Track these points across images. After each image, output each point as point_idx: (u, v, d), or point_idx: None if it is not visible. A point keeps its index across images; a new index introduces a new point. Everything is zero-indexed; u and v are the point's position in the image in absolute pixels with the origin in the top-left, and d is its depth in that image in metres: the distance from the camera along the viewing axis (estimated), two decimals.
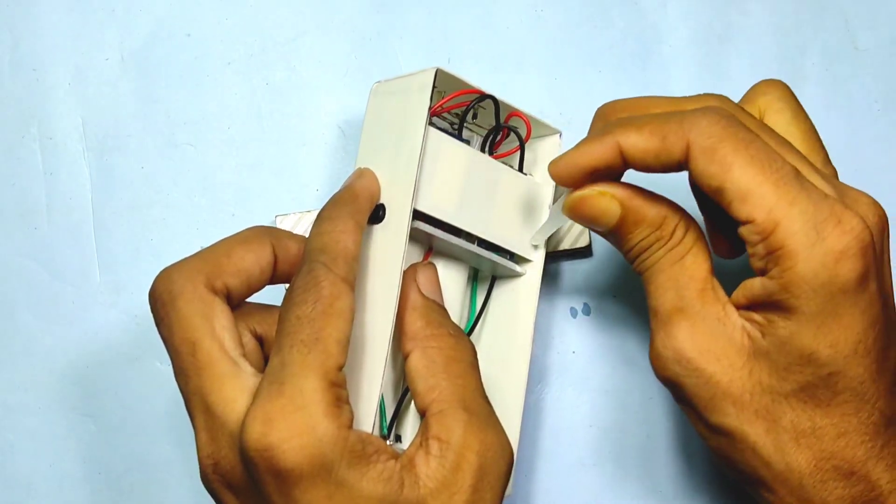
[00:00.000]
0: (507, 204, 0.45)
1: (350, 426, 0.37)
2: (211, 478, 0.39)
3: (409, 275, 0.42)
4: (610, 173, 0.40)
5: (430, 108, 0.42)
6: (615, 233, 0.40)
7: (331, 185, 0.51)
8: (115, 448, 0.50)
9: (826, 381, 0.37)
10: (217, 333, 0.39)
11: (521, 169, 0.47)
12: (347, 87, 0.53)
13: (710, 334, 0.39)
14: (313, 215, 0.49)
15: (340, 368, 0.37)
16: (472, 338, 0.47)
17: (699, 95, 0.42)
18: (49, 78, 0.53)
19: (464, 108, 0.45)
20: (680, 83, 0.52)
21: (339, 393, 0.37)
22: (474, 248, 0.44)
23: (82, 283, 0.51)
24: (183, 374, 0.40)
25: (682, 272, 0.39)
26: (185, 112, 0.52)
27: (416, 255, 0.45)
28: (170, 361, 0.50)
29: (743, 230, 0.37)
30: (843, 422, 0.37)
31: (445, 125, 0.45)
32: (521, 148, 0.47)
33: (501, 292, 0.48)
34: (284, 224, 0.50)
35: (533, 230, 0.46)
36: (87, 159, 0.52)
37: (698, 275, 0.39)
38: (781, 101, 0.42)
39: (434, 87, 0.42)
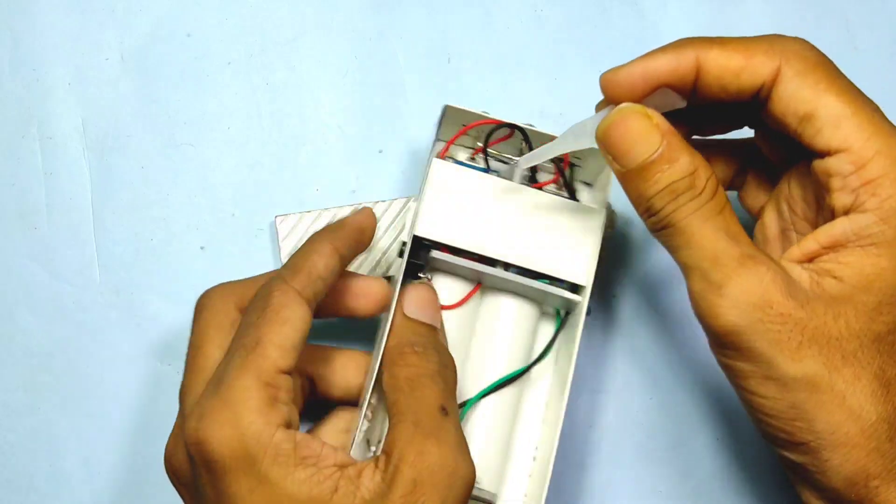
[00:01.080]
0: (551, 230, 0.44)
1: (284, 426, 0.37)
2: (168, 474, 0.41)
3: (401, 295, 0.43)
4: (672, 95, 0.37)
5: (434, 140, 0.44)
6: (644, 170, 0.37)
7: (331, 185, 0.51)
8: (115, 448, 0.50)
9: None
10: (225, 346, 0.40)
11: (571, 195, 0.46)
12: (347, 87, 0.53)
13: (788, 281, 0.36)
14: (313, 216, 0.49)
15: (281, 371, 0.38)
16: (542, 372, 0.46)
17: (784, 36, 0.39)
18: (49, 78, 0.53)
19: (497, 139, 0.45)
20: None
21: (275, 393, 0.38)
22: (509, 275, 0.44)
23: (82, 283, 0.51)
24: (183, 375, 0.41)
25: (729, 224, 0.37)
26: (185, 112, 0.52)
27: (463, 291, 0.45)
28: (170, 362, 0.51)
29: (831, 161, 0.35)
30: None
31: (495, 161, 0.46)
32: (560, 172, 0.46)
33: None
34: (284, 225, 0.50)
35: (586, 257, 0.44)
36: (87, 159, 0.52)
37: (739, 230, 0.37)
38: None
39: (441, 122, 0.44)
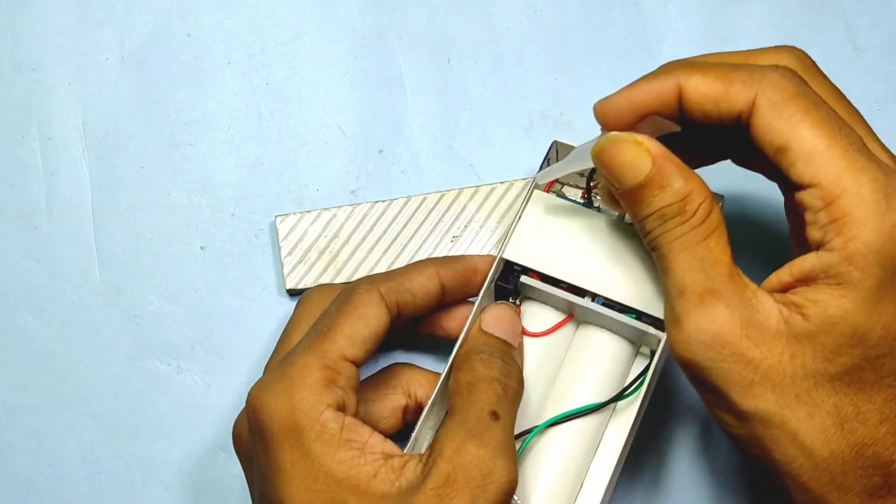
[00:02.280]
0: (643, 266, 0.43)
1: (335, 407, 0.39)
2: (234, 444, 0.44)
3: (481, 313, 0.44)
4: (660, 121, 0.38)
5: (539, 172, 0.44)
6: (636, 193, 0.38)
7: (331, 185, 0.51)
8: (115, 448, 0.50)
9: (873, 364, 0.35)
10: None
11: None
12: (347, 87, 0.53)
13: (747, 319, 0.36)
14: (313, 215, 0.49)
15: (345, 359, 0.40)
16: (626, 409, 0.44)
17: (775, 47, 0.39)
18: (49, 78, 0.53)
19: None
20: None
21: (333, 377, 0.39)
22: (595, 306, 0.43)
23: (82, 283, 0.51)
24: (270, 357, 0.45)
25: (709, 252, 0.37)
26: (185, 112, 0.52)
27: (554, 321, 0.45)
28: (170, 362, 0.51)
29: (804, 195, 0.35)
30: (885, 407, 0.36)
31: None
32: None
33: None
34: (284, 224, 0.50)
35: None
36: (87, 159, 0.52)
37: (723, 259, 0.37)
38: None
39: (548, 157, 0.45)
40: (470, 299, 0.46)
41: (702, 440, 0.50)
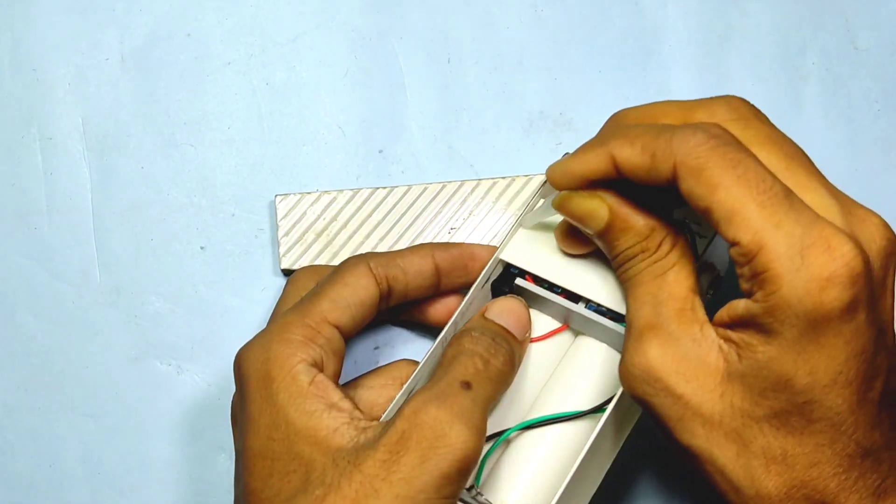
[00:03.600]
0: None
1: (310, 363, 0.40)
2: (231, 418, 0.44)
3: (488, 304, 0.45)
4: (607, 181, 0.39)
5: (546, 180, 0.44)
6: (602, 237, 0.40)
7: (331, 185, 0.51)
8: (115, 448, 0.50)
9: (801, 409, 0.36)
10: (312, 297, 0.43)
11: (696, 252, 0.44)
12: (347, 87, 0.53)
13: (683, 354, 0.37)
14: (313, 196, 0.50)
15: (327, 321, 0.41)
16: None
17: (711, 98, 0.41)
18: (49, 78, 0.53)
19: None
20: (680, 83, 0.52)
21: (313, 335, 0.41)
22: (588, 312, 0.43)
23: (82, 283, 0.51)
24: None
25: (662, 288, 0.39)
26: (185, 112, 0.52)
27: (549, 327, 0.45)
28: (170, 362, 0.51)
29: (731, 251, 0.36)
30: (816, 451, 0.36)
31: None
32: (691, 236, 0.43)
33: None
34: (283, 204, 0.50)
35: None
36: (87, 159, 0.52)
37: (678, 292, 0.38)
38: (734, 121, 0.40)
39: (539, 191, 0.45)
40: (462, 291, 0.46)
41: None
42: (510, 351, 0.42)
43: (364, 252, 0.47)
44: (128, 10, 0.53)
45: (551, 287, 0.44)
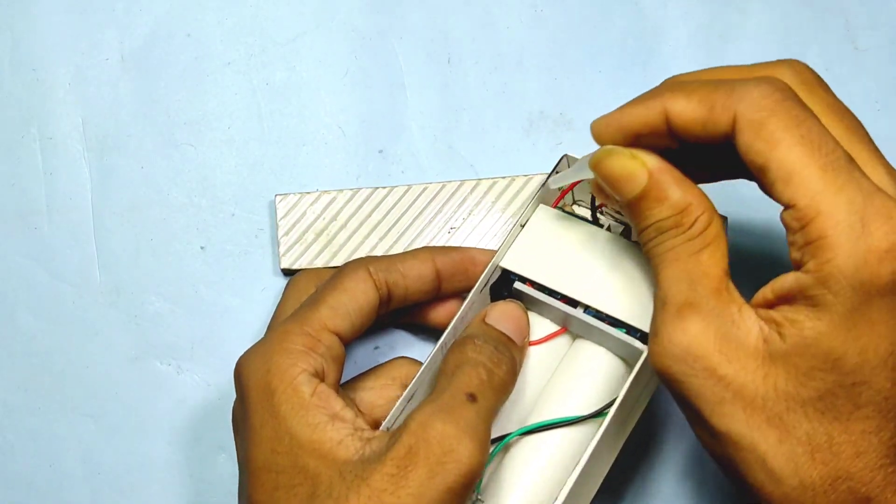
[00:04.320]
0: (638, 283, 0.43)
1: (311, 373, 0.39)
2: (232, 426, 0.43)
3: (487, 308, 0.44)
4: (656, 140, 0.38)
5: (545, 185, 0.45)
6: (634, 205, 0.38)
7: (330, 185, 0.51)
8: (115, 448, 0.50)
9: (849, 392, 0.34)
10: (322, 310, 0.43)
11: None
12: (347, 87, 0.53)
13: (724, 334, 0.35)
14: (313, 196, 0.50)
15: (327, 329, 0.41)
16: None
17: (775, 61, 0.39)
18: (49, 78, 0.53)
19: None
20: None
21: (313, 344, 0.40)
22: (586, 317, 0.43)
23: (82, 283, 0.51)
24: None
25: (698, 266, 0.37)
26: (185, 112, 0.52)
27: (548, 331, 0.45)
28: (170, 362, 0.51)
29: (784, 215, 0.35)
30: (862, 440, 0.34)
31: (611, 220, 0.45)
32: None
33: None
34: (283, 204, 0.50)
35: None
36: (87, 159, 0.52)
37: (714, 272, 0.36)
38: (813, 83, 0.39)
39: (556, 170, 0.44)
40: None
41: (690, 461, 0.49)
42: (512, 360, 0.42)
43: (363, 255, 0.46)
44: (128, 10, 0.53)
45: (550, 292, 0.44)
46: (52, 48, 0.53)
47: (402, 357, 0.46)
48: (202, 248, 0.51)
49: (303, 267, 0.50)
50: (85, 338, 0.51)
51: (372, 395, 0.44)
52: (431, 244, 0.49)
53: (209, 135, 0.52)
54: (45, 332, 0.51)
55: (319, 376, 0.40)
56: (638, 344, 0.42)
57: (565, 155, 0.45)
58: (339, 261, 0.49)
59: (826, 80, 0.52)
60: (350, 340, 0.42)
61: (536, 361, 0.45)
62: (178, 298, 0.51)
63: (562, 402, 0.43)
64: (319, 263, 0.50)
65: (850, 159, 0.34)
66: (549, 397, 0.44)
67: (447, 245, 0.48)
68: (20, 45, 0.53)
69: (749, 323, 0.36)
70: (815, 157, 0.34)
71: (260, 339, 0.42)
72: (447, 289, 0.46)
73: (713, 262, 0.37)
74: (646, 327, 0.41)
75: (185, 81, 0.53)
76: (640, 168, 0.37)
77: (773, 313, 0.35)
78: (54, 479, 0.50)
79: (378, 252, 0.50)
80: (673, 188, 0.37)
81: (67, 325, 0.51)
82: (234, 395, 0.51)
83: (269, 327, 0.45)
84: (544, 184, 0.45)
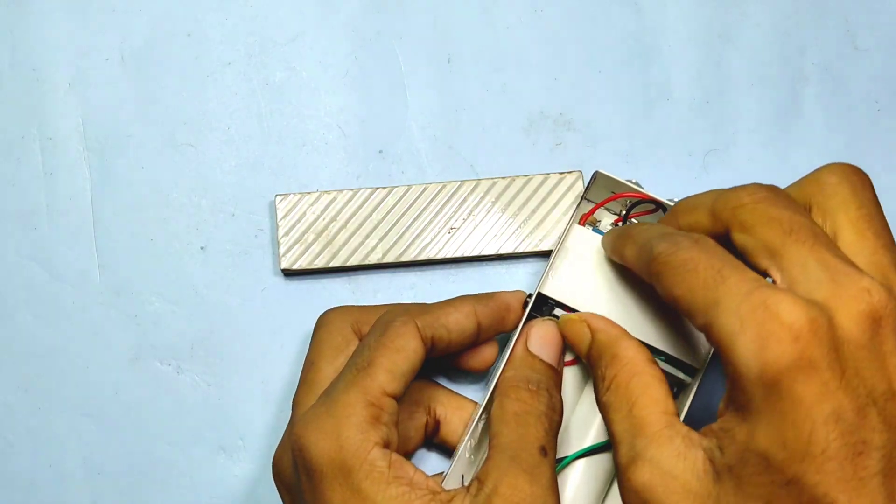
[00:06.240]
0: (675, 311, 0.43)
1: (382, 444, 0.40)
2: (274, 477, 0.44)
3: (524, 330, 0.45)
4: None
5: (576, 206, 0.46)
6: (586, 361, 0.42)
7: (331, 185, 0.51)
8: (115, 448, 0.50)
9: (788, 492, 0.33)
10: (337, 363, 0.44)
11: None
12: (347, 87, 0.53)
13: (670, 474, 0.36)
14: (313, 197, 0.50)
15: (386, 394, 0.41)
16: None
17: (824, 166, 0.40)
18: (49, 78, 0.53)
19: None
20: (680, 83, 0.52)
21: (378, 413, 0.40)
22: None
23: (82, 283, 0.51)
24: (297, 387, 0.45)
25: (638, 414, 0.38)
26: (185, 112, 0.52)
27: None
28: (170, 362, 0.51)
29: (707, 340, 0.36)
30: None
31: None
32: None
33: None
34: (283, 204, 0.50)
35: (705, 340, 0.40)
36: (87, 159, 0.52)
37: (652, 417, 0.38)
38: (837, 185, 0.39)
39: (588, 187, 0.46)
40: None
41: None
42: (561, 399, 0.43)
43: (403, 304, 0.46)
44: (128, 10, 0.53)
45: None
46: (52, 48, 0.53)
47: (418, 380, 0.46)
48: (202, 248, 0.51)
49: (303, 267, 0.50)
50: (85, 338, 0.51)
51: (404, 427, 0.45)
52: (431, 244, 0.50)
53: (209, 135, 0.52)
54: (45, 332, 0.51)
55: (389, 445, 0.40)
56: (681, 374, 0.43)
57: (597, 172, 0.45)
58: (339, 262, 0.49)
59: (826, 80, 0.53)
60: (401, 398, 0.42)
61: (568, 381, 0.46)
62: (178, 298, 0.51)
63: (593, 426, 0.44)
64: (319, 264, 0.50)
65: (731, 267, 0.35)
66: (590, 418, 0.45)
67: (481, 293, 0.46)
68: (20, 45, 0.53)
69: (694, 451, 0.36)
70: (700, 281, 0.36)
71: (317, 406, 0.41)
72: (483, 337, 0.46)
73: (653, 403, 0.38)
74: (685, 357, 0.43)
75: (185, 81, 0.53)
76: (584, 329, 0.42)
77: (714, 426, 0.36)
78: (54, 480, 0.50)
79: (378, 253, 0.49)
80: (615, 347, 0.40)
81: (67, 325, 0.51)
82: (233, 395, 0.51)
83: (308, 378, 0.44)
84: (578, 205, 0.46)
